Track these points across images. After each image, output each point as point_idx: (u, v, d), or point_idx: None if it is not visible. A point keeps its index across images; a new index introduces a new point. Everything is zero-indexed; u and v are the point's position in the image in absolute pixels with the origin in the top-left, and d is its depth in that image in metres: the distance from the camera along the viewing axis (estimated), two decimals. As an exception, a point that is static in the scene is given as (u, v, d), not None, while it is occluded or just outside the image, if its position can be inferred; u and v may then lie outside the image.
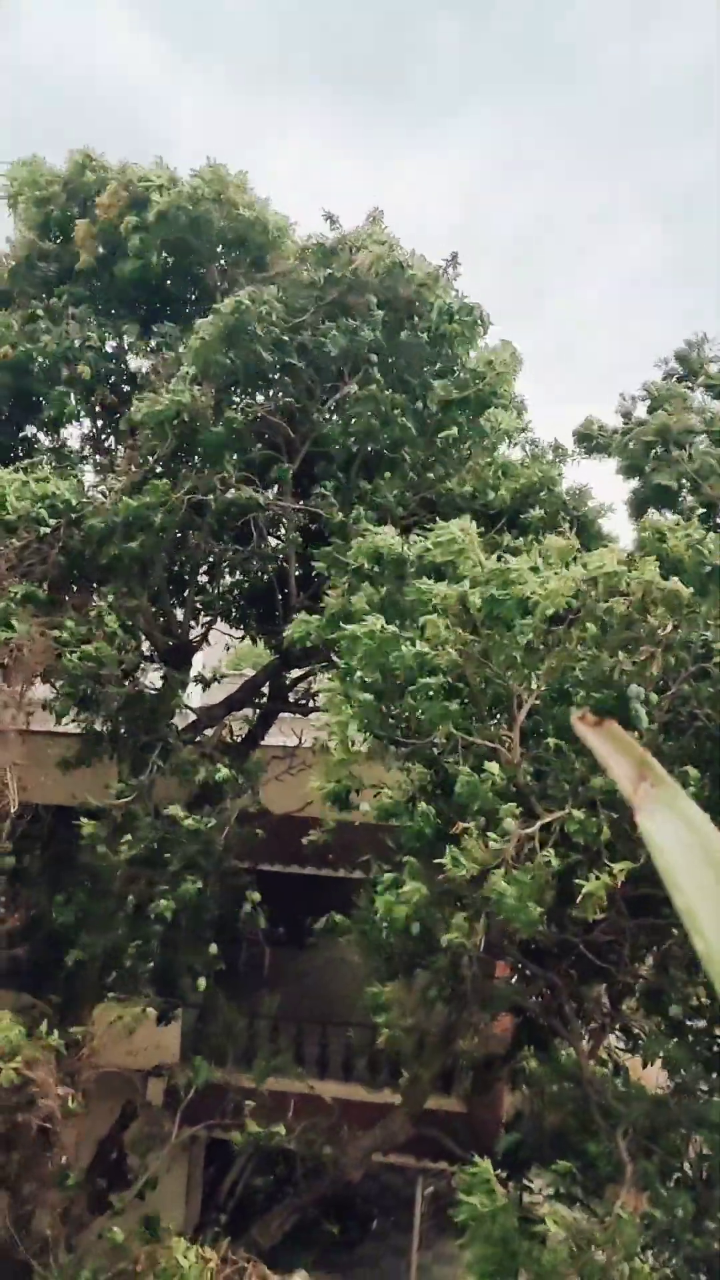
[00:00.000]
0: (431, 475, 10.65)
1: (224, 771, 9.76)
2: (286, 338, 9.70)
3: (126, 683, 10.09)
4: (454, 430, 10.51)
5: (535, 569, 7.80)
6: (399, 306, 10.29)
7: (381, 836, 9.16)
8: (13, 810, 8.95)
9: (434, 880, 7.97)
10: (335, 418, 10.63)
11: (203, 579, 11.77)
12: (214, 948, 10.25)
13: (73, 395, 10.71)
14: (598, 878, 6.92)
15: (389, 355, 10.43)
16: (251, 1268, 9.20)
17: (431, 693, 7.75)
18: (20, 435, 11.90)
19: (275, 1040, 12.70)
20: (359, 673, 8.17)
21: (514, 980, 9.97)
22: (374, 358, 10.20)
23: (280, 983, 12.46)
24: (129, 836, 9.57)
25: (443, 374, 10.64)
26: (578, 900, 6.99)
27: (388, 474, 10.26)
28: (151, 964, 10.20)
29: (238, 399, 10.24)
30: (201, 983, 10.04)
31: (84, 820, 9.74)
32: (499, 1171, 8.02)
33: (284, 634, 9.31)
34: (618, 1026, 9.96)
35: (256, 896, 10.30)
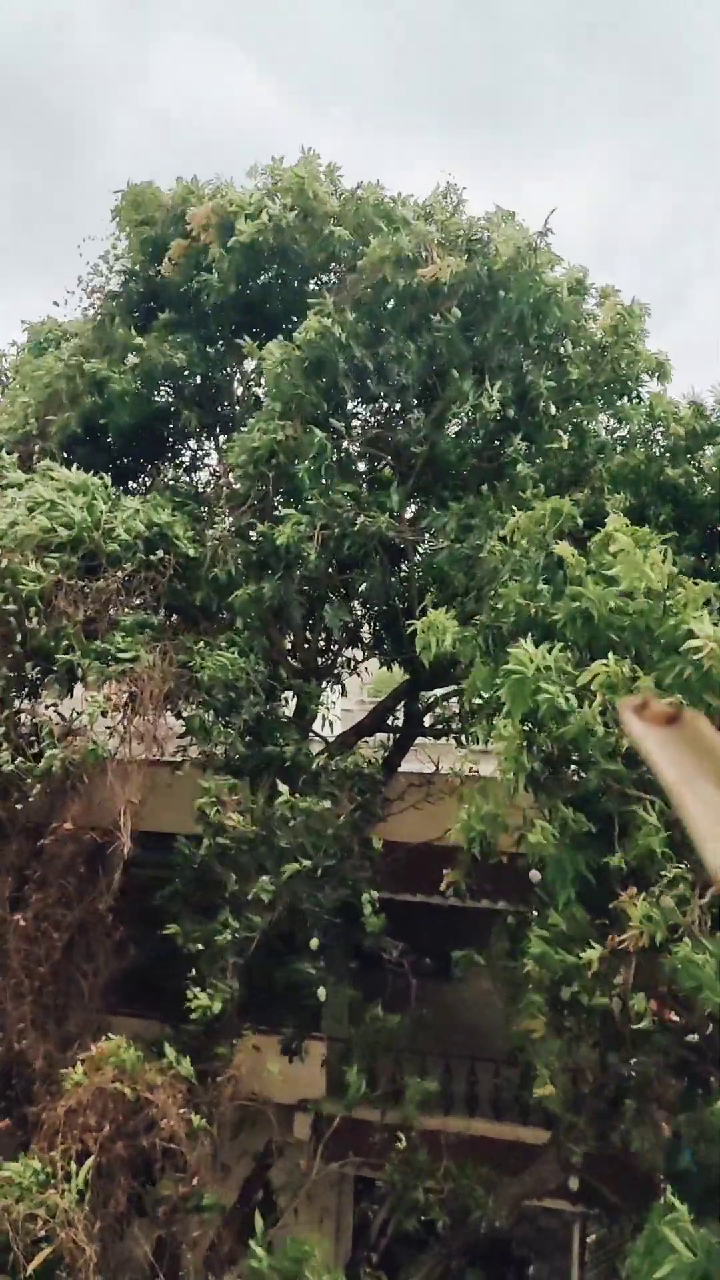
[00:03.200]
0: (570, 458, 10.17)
1: (326, 804, 9.52)
2: (369, 362, 9.46)
3: (257, 699, 10.01)
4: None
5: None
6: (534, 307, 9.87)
7: (523, 868, 8.79)
8: (127, 847, 9.00)
9: (590, 927, 7.62)
10: (448, 428, 10.37)
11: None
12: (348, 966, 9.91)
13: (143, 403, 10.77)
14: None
15: (504, 351, 10.07)
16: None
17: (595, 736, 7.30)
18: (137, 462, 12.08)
19: (423, 1076, 12.38)
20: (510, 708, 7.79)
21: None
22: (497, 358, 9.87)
23: (426, 1016, 12.15)
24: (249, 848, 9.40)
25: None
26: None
27: (507, 480, 9.88)
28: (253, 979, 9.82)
29: (334, 423, 10.05)
30: (321, 993, 9.67)
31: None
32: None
33: (416, 645, 9.02)
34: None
35: (374, 894, 9.84)
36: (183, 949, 9.54)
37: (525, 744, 7.78)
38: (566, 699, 7.28)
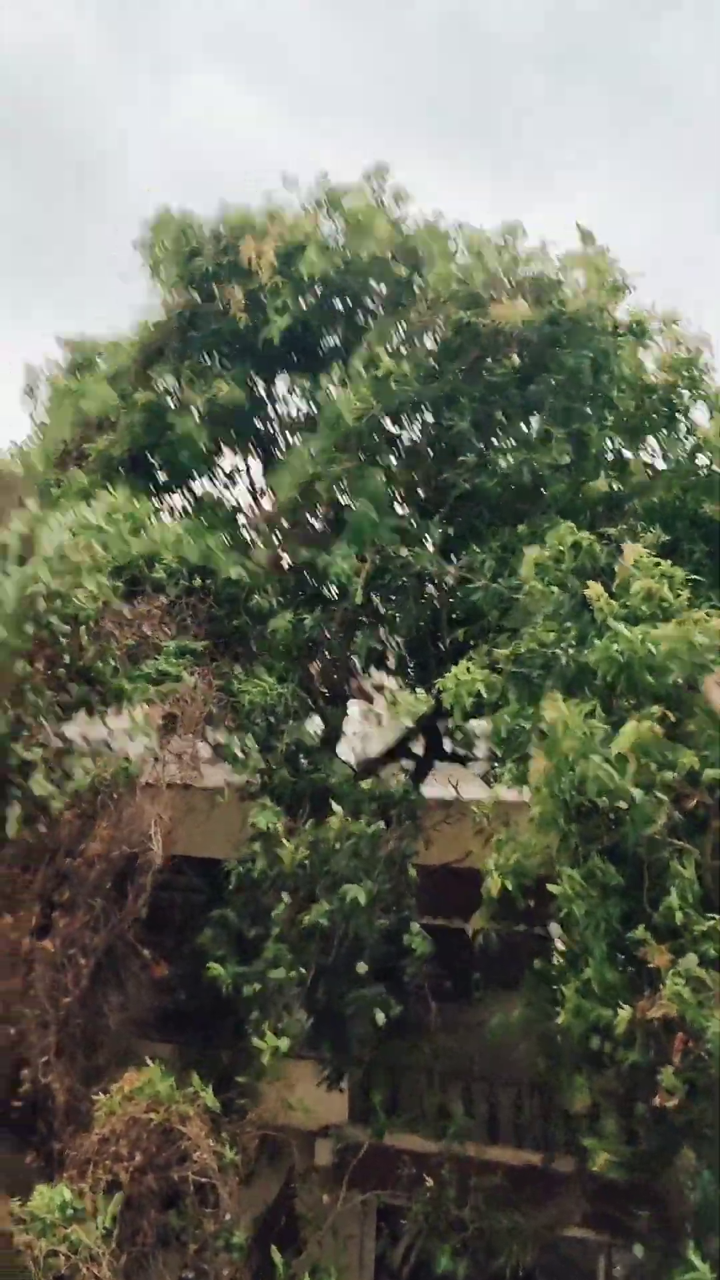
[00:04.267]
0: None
1: (380, 825, 9.54)
2: (424, 398, 9.52)
3: (296, 724, 10.02)
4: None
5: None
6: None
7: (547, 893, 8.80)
8: (157, 862, 8.96)
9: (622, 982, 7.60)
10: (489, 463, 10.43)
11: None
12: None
13: (204, 434, 10.78)
14: None
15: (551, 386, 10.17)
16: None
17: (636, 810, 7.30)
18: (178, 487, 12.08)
19: (445, 1101, 12.33)
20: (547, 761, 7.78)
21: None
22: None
23: (446, 1039, 12.11)
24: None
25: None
26: None
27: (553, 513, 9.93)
28: (313, 1010, 9.79)
29: (384, 458, 10.11)
30: (379, 1017, 9.62)
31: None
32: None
33: (438, 686, 9.05)
34: None
35: (419, 931, 9.86)
36: (230, 992, 9.50)
37: (560, 807, 7.79)
38: (605, 772, 7.30)
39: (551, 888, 8.03)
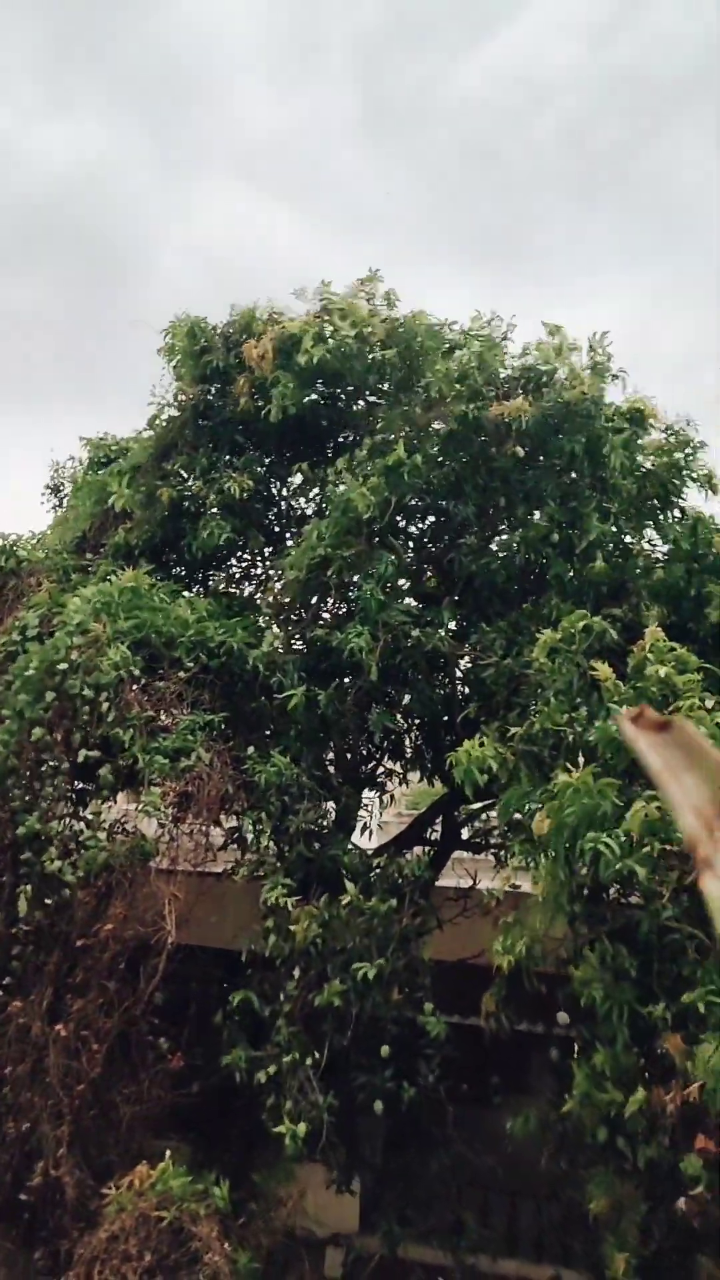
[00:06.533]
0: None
1: (393, 903, 9.54)
2: (427, 485, 9.99)
3: (311, 805, 10.10)
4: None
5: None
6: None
7: (563, 990, 8.76)
8: (170, 942, 8.96)
9: (636, 1069, 7.58)
10: (492, 547, 10.83)
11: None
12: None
13: (227, 527, 11.20)
14: None
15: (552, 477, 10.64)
16: None
17: (639, 883, 7.42)
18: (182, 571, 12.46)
19: (461, 1211, 11.93)
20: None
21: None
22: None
23: (463, 1146, 11.79)
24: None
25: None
26: None
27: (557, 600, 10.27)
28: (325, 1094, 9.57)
29: (391, 540, 10.53)
30: (385, 1106, 9.41)
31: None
32: None
33: (450, 767, 9.20)
34: None
35: (433, 1012, 9.69)
36: (246, 1079, 9.38)
37: (564, 880, 7.87)
38: (608, 845, 7.40)
39: (572, 970, 8.03)
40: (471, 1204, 12.42)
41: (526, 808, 8.78)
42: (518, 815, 9.18)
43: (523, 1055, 10.50)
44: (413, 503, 10.84)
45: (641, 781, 7.89)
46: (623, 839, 7.39)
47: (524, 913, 8.64)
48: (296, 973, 9.20)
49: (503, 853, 11.74)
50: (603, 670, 8.40)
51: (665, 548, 10.94)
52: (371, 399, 11.70)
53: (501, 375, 10.73)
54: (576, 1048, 8.47)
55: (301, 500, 12.09)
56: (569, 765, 7.98)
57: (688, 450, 10.82)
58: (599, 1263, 10.14)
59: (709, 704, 8.00)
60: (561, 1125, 8.77)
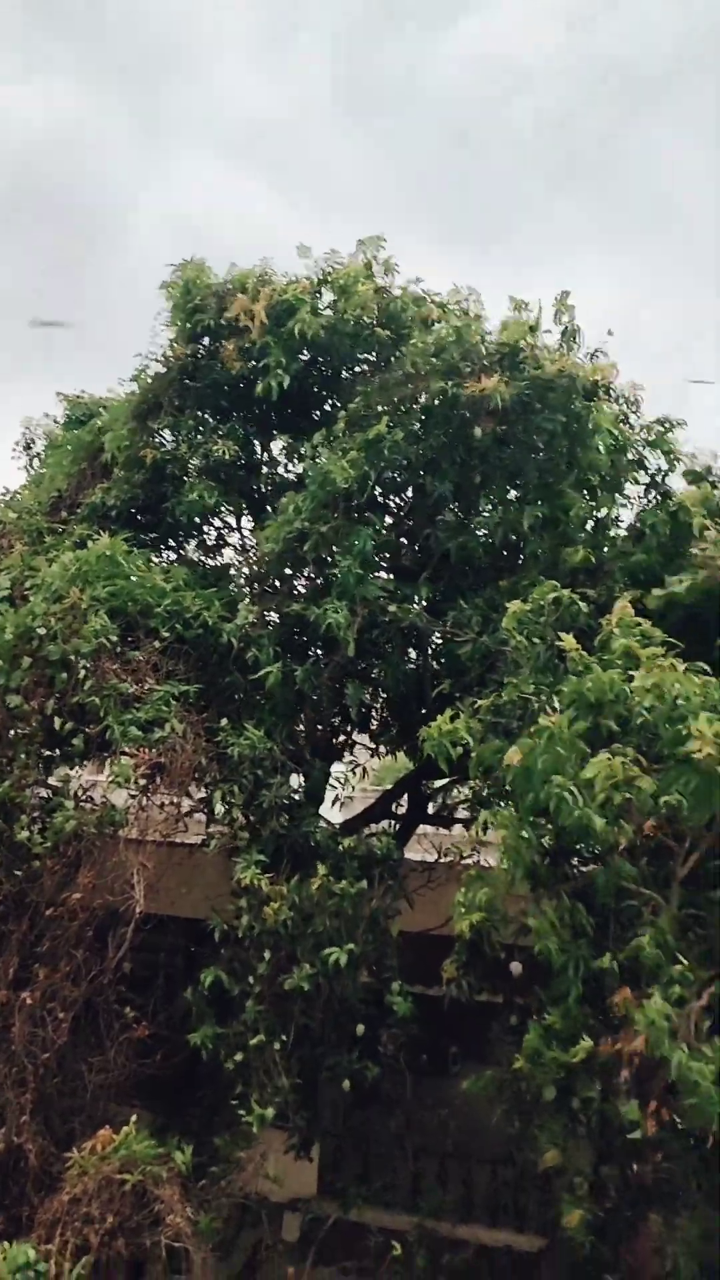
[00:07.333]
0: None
1: (363, 885, 9.61)
2: (406, 461, 9.92)
3: (283, 779, 10.11)
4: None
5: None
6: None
7: (527, 968, 8.89)
8: (139, 911, 8.98)
9: (590, 1028, 7.72)
10: (469, 524, 10.82)
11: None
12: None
13: (213, 492, 11.07)
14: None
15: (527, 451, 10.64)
16: None
17: (595, 832, 7.53)
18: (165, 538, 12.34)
19: (418, 1176, 12.18)
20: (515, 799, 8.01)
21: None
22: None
23: (421, 1113, 12.00)
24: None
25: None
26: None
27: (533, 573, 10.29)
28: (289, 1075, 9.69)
29: (370, 515, 10.47)
30: (351, 1084, 9.58)
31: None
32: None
33: (420, 741, 9.24)
34: None
35: (400, 991, 9.81)
36: (215, 1059, 9.45)
37: (526, 834, 8.00)
38: (571, 792, 7.53)
39: (528, 920, 8.17)
40: (428, 1170, 12.68)
41: (499, 760, 8.85)
42: (484, 785, 9.29)
43: (483, 1025, 10.63)
44: (392, 478, 10.74)
45: (601, 741, 8.02)
46: (584, 790, 7.54)
47: (486, 873, 8.77)
48: (267, 954, 9.24)
49: (472, 827, 11.86)
50: (568, 641, 8.49)
51: (639, 528, 11.00)
52: (357, 370, 11.57)
53: (480, 352, 10.60)
54: (532, 1009, 8.60)
55: (284, 470, 11.94)
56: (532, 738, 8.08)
57: (663, 428, 10.88)
58: (553, 1224, 10.42)
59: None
60: (515, 1085, 8.92)
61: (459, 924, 8.49)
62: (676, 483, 11.12)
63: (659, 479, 11.12)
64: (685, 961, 7.37)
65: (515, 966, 9.61)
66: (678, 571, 10.61)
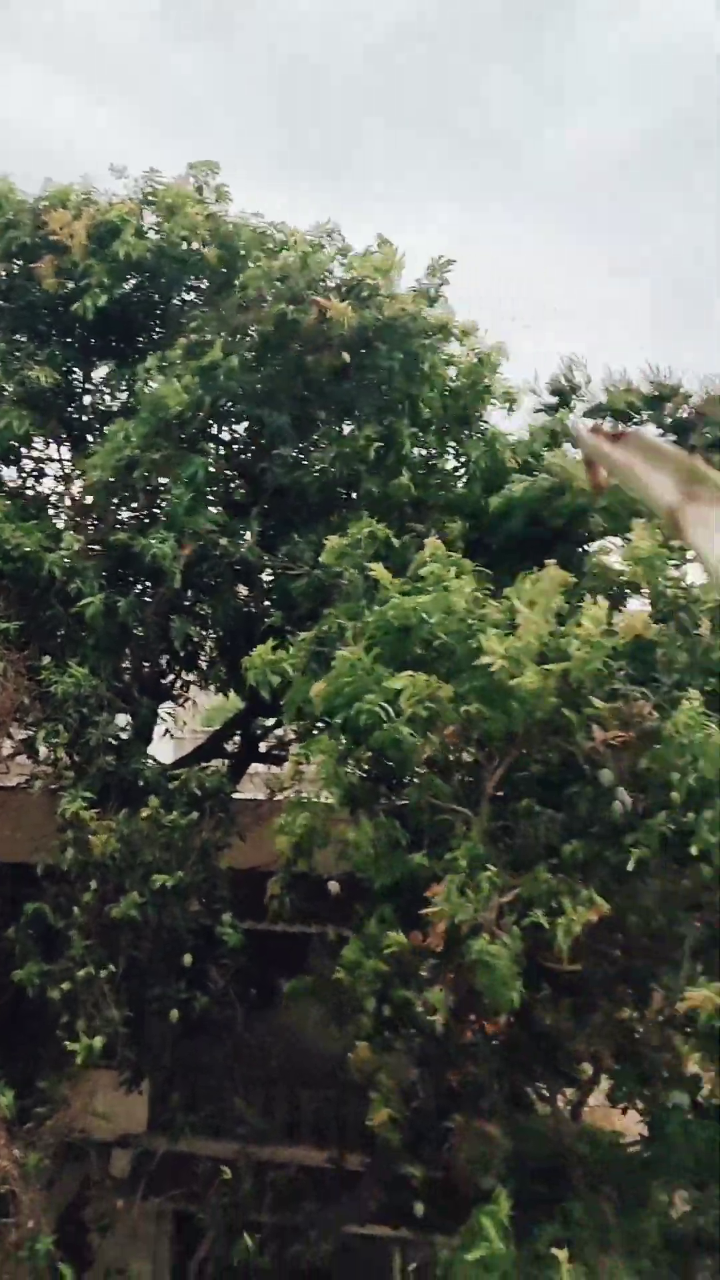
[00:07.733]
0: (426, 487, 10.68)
1: (193, 816, 9.56)
2: (241, 389, 9.73)
3: (109, 718, 9.89)
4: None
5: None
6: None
7: (347, 893, 9.05)
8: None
9: (407, 935, 7.96)
10: (305, 459, 10.69)
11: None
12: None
13: (28, 420, 10.57)
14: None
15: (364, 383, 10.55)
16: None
17: (403, 744, 7.69)
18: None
19: (246, 1105, 12.36)
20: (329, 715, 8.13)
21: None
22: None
23: (248, 1044, 12.15)
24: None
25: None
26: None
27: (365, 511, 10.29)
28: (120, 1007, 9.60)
29: (203, 444, 10.23)
30: (181, 1014, 9.65)
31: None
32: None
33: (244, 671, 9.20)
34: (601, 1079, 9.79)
35: (230, 922, 9.88)
36: (42, 997, 9.28)
37: (342, 756, 8.19)
38: (382, 707, 7.78)
39: (347, 833, 8.35)
40: (256, 1097, 12.88)
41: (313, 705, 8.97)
42: (304, 715, 9.38)
43: (308, 957, 10.81)
44: (227, 407, 10.50)
45: (409, 664, 8.24)
46: (393, 706, 7.77)
47: (307, 800, 8.92)
48: (94, 885, 9.12)
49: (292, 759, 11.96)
50: (378, 571, 8.66)
51: (464, 463, 11.14)
52: (187, 296, 11.21)
53: (326, 282, 10.43)
54: (352, 927, 8.85)
55: (107, 397, 11.49)
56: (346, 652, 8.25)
57: (492, 368, 10.98)
58: (373, 1146, 10.78)
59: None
60: (336, 996, 9.15)
61: (280, 844, 8.61)
62: (500, 420, 11.30)
63: (478, 417, 11.23)
64: (493, 868, 7.66)
65: (334, 885, 9.79)
66: (499, 503, 10.84)
